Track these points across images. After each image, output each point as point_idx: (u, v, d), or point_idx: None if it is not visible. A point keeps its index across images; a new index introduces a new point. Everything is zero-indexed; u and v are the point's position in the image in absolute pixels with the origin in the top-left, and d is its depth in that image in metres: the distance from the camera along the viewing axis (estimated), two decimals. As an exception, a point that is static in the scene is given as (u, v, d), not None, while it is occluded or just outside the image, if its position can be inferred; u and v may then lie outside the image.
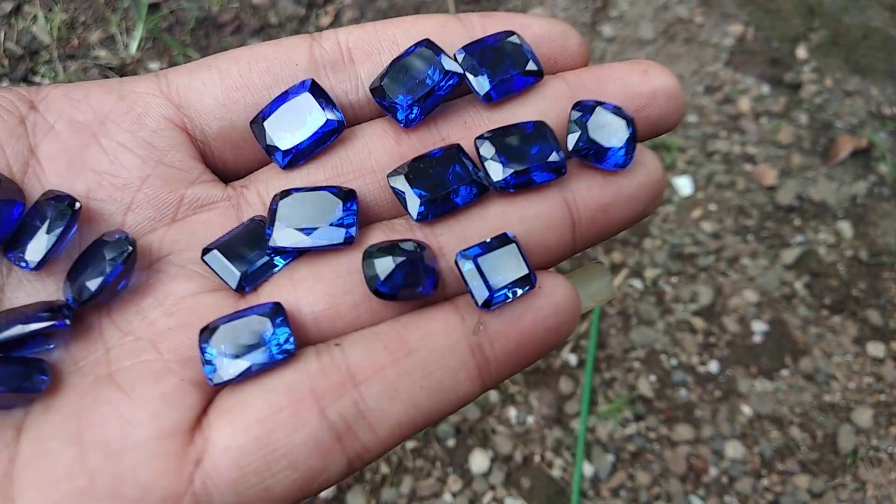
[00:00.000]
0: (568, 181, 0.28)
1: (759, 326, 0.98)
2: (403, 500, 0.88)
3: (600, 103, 0.28)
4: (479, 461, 0.90)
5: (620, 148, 0.28)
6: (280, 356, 0.25)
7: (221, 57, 0.29)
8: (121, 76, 1.09)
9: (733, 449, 0.91)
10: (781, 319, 0.98)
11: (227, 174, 0.30)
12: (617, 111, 0.28)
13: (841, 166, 1.09)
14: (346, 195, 0.27)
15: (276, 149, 0.28)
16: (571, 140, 0.28)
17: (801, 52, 1.20)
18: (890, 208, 1.06)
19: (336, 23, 1.17)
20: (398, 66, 0.28)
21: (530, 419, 0.92)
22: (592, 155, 0.28)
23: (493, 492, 0.88)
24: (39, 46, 1.10)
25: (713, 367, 0.96)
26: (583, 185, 0.28)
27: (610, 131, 0.28)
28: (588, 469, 0.90)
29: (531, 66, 0.29)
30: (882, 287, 1.00)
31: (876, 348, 0.97)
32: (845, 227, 1.05)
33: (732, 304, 1.00)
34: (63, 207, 0.25)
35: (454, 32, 0.30)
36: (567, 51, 0.30)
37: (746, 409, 0.93)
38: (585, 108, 0.28)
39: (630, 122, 0.28)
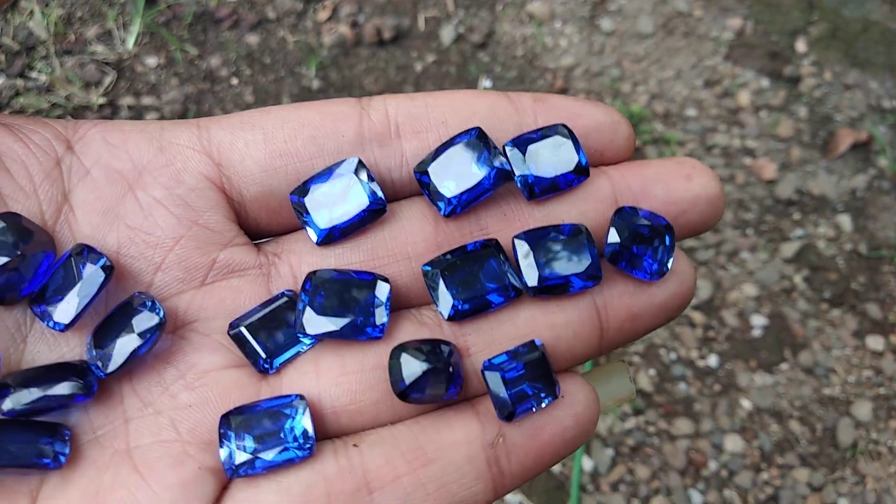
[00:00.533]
0: (601, 287, 0.28)
1: (758, 320, 0.98)
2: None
3: (640, 211, 0.28)
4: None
5: (657, 260, 0.27)
6: (299, 455, 0.25)
7: (267, 116, 0.28)
8: (118, 71, 1.08)
9: (733, 443, 0.91)
10: (781, 313, 0.98)
11: (259, 234, 0.29)
12: (657, 222, 0.28)
13: (840, 160, 1.09)
14: (380, 285, 0.27)
15: (314, 224, 0.27)
16: (609, 247, 0.27)
17: (801, 45, 1.20)
18: (889, 202, 1.06)
19: (333, 18, 1.16)
20: (447, 154, 0.27)
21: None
22: (628, 265, 0.27)
23: (493, 486, 0.88)
24: (36, 42, 1.09)
25: (712, 361, 0.96)
26: (615, 292, 0.28)
27: (648, 241, 0.27)
28: (587, 463, 0.90)
29: (578, 167, 0.28)
30: (881, 280, 1.00)
31: (875, 342, 0.96)
32: (845, 221, 1.05)
33: (732, 298, 0.99)
34: (97, 270, 0.25)
35: (504, 116, 0.29)
36: (614, 144, 0.29)
37: (746, 403, 0.93)
38: (625, 217, 0.28)
39: (670, 233, 0.28)
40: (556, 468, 0.89)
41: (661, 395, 0.94)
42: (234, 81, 1.10)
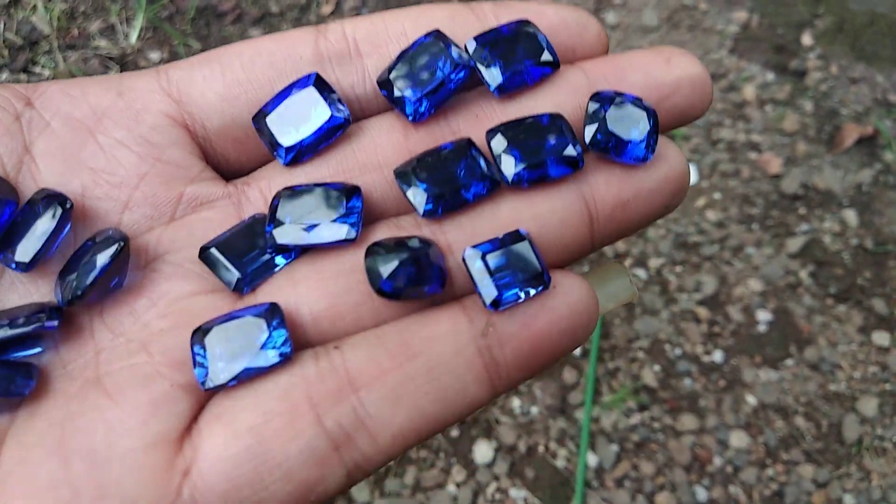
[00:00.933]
0: (585, 176, 0.27)
1: (763, 316, 0.98)
2: (407, 490, 0.88)
3: (619, 94, 0.27)
4: (483, 451, 0.90)
5: (641, 141, 0.26)
6: (275, 360, 0.24)
7: (223, 51, 0.28)
8: (121, 66, 1.08)
9: (738, 439, 0.91)
10: (786, 308, 0.98)
11: (229, 171, 0.29)
12: (637, 102, 0.27)
13: (846, 154, 1.09)
14: (350, 191, 0.26)
15: (279, 145, 0.27)
16: (589, 132, 0.26)
17: (807, 38, 1.19)
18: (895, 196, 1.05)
19: (337, 11, 1.16)
20: (406, 59, 0.27)
21: (534, 409, 0.92)
22: (611, 148, 0.26)
23: (497, 482, 0.88)
24: (39, 37, 1.09)
25: (717, 356, 0.96)
26: (601, 179, 0.27)
27: (630, 123, 0.26)
28: (592, 459, 0.90)
29: (546, 57, 0.28)
30: (887, 276, 1.00)
31: (881, 337, 0.96)
32: (850, 216, 1.04)
33: (737, 294, 0.99)
34: (54, 206, 0.25)
35: (465, 23, 0.28)
36: (585, 39, 0.29)
37: (751, 399, 0.93)
38: (603, 100, 0.27)
39: (651, 113, 0.27)
40: (561, 464, 0.89)
41: (666, 391, 0.93)
42: (238, 76, 1.10)
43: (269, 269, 0.26)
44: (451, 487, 0.88)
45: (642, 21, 1.20)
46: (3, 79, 1.05)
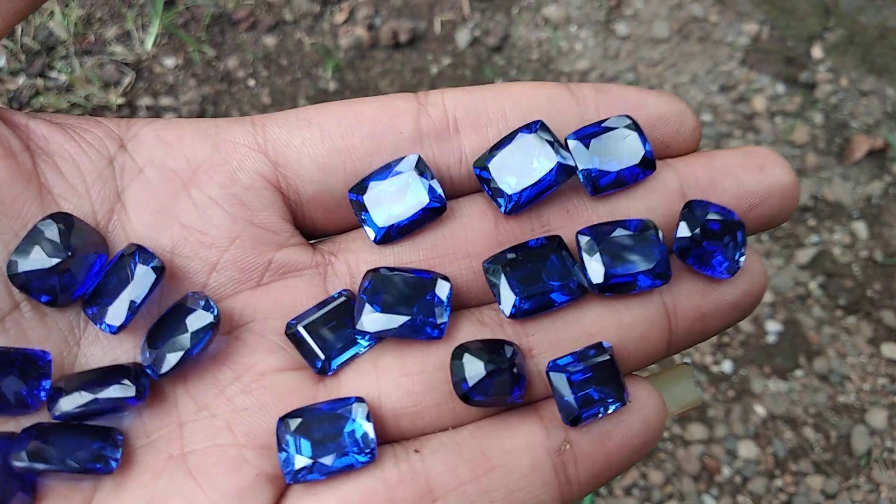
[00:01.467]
0: (669, 285, 0.26)
1: (773, 326, 0.98)
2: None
3: (710, 205, 0.26)
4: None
5: (728, 258, 0.26)
6: (360, 461, 0.24)
7: (323, 113, 0.27)
8: (136, 72, 1.09)
9: (746, 449, 0.91)
10: (795, 320, 0.98)
11: (315, 233, 0.29)
12: (728, 218, 0.26)
13: (856, 166, 1.09)
14: (440, 283, 0.26)
15: (373, 222, 0.27)
16: (678, 243, 0.26)
17: (817, 51, 1.20)
18: (906, 209, 1.06)
19: (350, 20, 1.17)
20: (508, 149, 0.27)
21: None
22: (698, 262, 0.26)
23: (506, 489, 0.88)
24: (56, 42, 1.11)
25: (727, 366, 0.96)
26: (684, 291, 0.27)
27: (720, 238, 0.26)
28: (601, 467, 0.90)
29: (645, 159, 0.27)
30: (897, 288, 1.00)
31: (891, 349, 0.96)
32: (860, 228, 1.04)
33: (746, 304, 0.99)
34: (147, 269, 0.24)
35: (566, 108, 0.28)
36: (680, 135, 0.28)
37: (760, 409, 0.93)
38: (696, 211, 0.26)
39: (741, 229, 0.26)
40: (570, 472, 0.89)
41: (675, 401, 0.94)
42: (251, 83, 1.11)
43: (352, 353, 0.26)
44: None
45: (653, 33, 1.20)
46: (21, 83, 1.07)
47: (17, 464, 0.22)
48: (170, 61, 1.11)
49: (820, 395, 0.94)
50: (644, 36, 1.20)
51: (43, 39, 1.10)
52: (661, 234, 0.26)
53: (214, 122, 0.27)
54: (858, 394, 0.94)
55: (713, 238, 0.26)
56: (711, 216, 0.26)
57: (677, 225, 0.26)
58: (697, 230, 0.26)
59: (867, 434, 0.91)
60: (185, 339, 0.24)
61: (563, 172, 0.27)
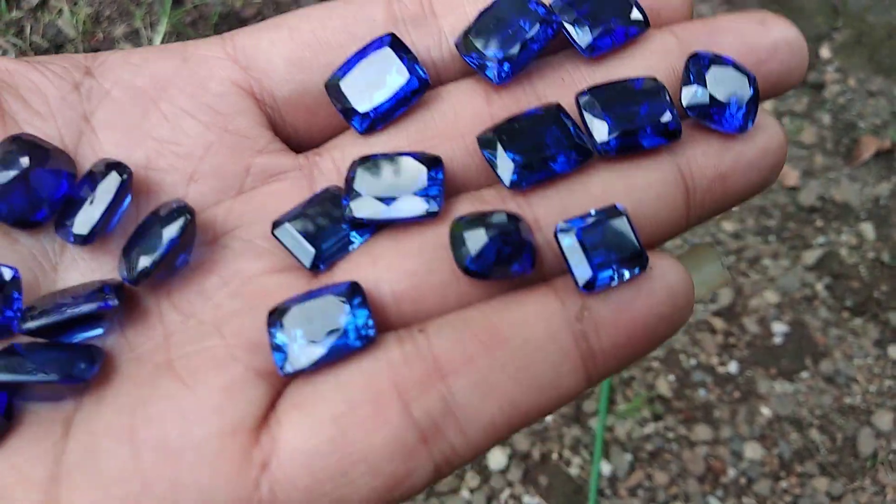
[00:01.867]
0: (682, 146, 0.25)
1: (779, 328, 0.98)
2: (421, 496, 0.88)
3: (718, 56, 0.25)
4: (496, 458, 0.90)
5: (742, 107, 0.24)
6: (358, 342, 0.22)
7: (291, 15, 0.26)
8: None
9: (752, 450, 0.91)
10: (802, 321, 0.98)
11: (299, 143, 0.27)
12: (737, 66, 0.25)
13: (864, 167, 1.09)
14: (431, 162, 0.24)
15: (354, 111, 0.25)
16: (687, 96, 0.25)
17: (825, 51, 1.19)
18: (913, 210, 1.05)
19: (358, 19, 1.17)
20: (486, 18, 0.25)
21: (548, 417, 0.92)
22: (712, 114, 0.25)
23: (511, 489, 0.89)
24: (65, 40, 1.11)
25: (733, 367, 0.96)
26: (698, 150, 0.25)
27: (731, 88, 0.24)
28: (606, 468, 0.90)
29: (636, 15, 0.26)
30: (904, 290, 1.00)
31: (897, 351, 0.96)
32: (868, 229, 1.04)
33: (753, 305, 0.99)
34: (113, 175, 0.23)
35: None
36: (670, 2, 0.27)
37: (766, 411, 0.93)
38: (703, 62, 0.25)
39: (752, 79, 0.25)
40: (575, 472, 0.89)
41: (681, 401, 0.94)
42: (259, 81, 1.11)
43: (345, 246, 0.25)
44: (464, 493, 0.89)
45: (660, 32, 1.20)
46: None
47: None
48: (178, 60, 1.12)
49: (826, 396, 0.94)
50: (651, 35, 1.20)
51: (52, 37, 1.11)
52: (665, 88, 0.25)
53: (182, 43, 0.27)
54: (864, 395, 0.94)
55: (723, 89, 0.24)
56: (719, 66, 0.25)
57: (683, 79, 0.25)
58: (705, 82, 0.24)
59: (873, 436, 0.91)
60: (157, 242, 0.23)
61: (550, 31, 0.25)
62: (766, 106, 1.13)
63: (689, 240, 1.04)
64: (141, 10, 1.13)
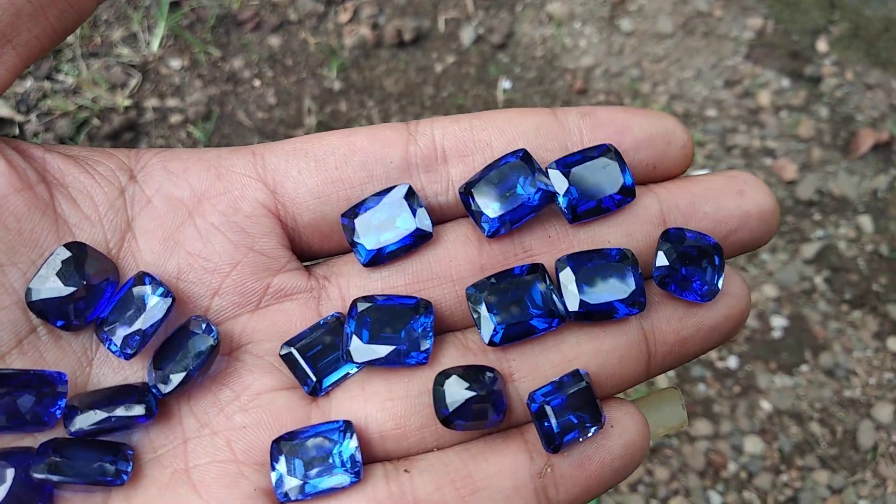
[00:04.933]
0: (648, 311, 0.28)
1: (778, 321, 0.98)
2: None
3: (687, 232, 0.27)
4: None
5: (706, 282, 0.27)
6: (349, 481, 0.26)
7: (318, 142, 0.29)
8: (143, 73, 1.10)
9: (752, 444, 0.91)
10: (801, 314, 0.98)
11: (311, 256, 0.30)
12: (705, 243, 0.27)
13: (862, 160, 1.09)
14: (424, 309, 0.28)
15: (362, 246, 0.28)
16: (657, 271, 0.27)
17: (822, 45, 1.19)
18: (912, 203, 1.05)
19: (354, 20, 1.17)
20: (490, 176, 0.28)
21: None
22: (677, 287, 0.27)
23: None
24: (63, 45, 1.11)
25: (732, 362, 0.96)
26: (663, 315, 0.28)
27: (697, 263, 0.27)
28: (607, 463, 0.90)
29: (624, 188, 0.28)
30: (903, 282, 1.00)
31: (897, 344, 0.96)
32: (866, 222, 1.04)
33: (752, 299, 0.99)
34: (159, 301, 0.26)
35: (551, 134, 0.29)
36: (668, 155, 0.29)
37: (766, 405, 0.93)
38: (672, 239, 0.27)
39: (718, 253, 0.27)
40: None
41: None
42: (257, 83, 1.11)
43: (342, 375, 0.28)
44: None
45: (657, 28, 1.20)
46: (28, 87, 1.07)
47: (38, 475, 0.24)
48: (176, 62, 1.12)
49: (826, 389, 0.94)
50: (648, 31, 1.20)
51: (50, 42, 1.11)
52: (637, 263, 0.27)
53: (217, 152, 0.29)
54: (864, 388, 0.94)
55: (690, 264, 0.27)
56: (688, 243, 0.27)
57: (656, 252, 0.27)
58: (674, 257, 0.27)
59: (873, 429, 0.91)
60: (187, 361, 0.26)
61: (545, 199, 0.28)
62: (765, 100, 1.14)
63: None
64: (138, 14, 1.13)
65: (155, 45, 1.12)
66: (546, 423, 0.26)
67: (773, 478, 0.89)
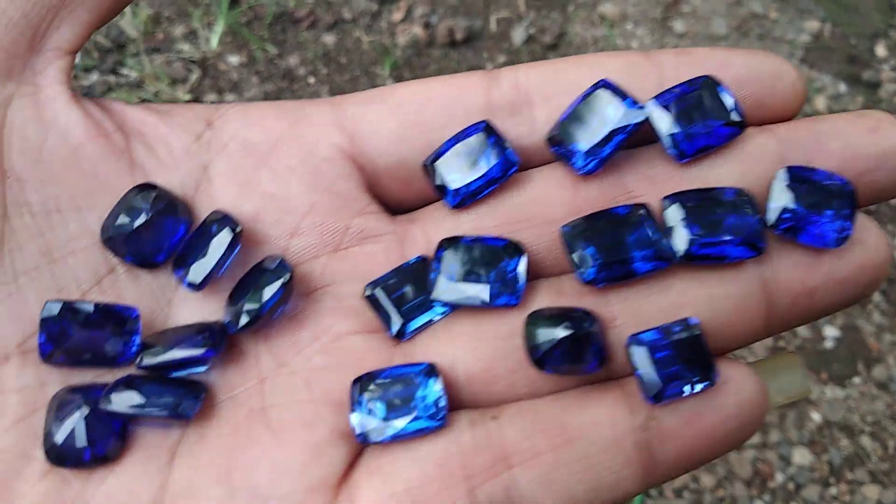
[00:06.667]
0: (768, 258, 0.24)
1: (831, 332, 0.97)
2: None
3: (811, 169, 0.24)
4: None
5: (834, 223, 0.24)
6: (433, 423, 0.24)
7: (397, 91, 0.28)
8: (202, 69, 1.13)
9: (801, 455, 0.90)
10: (855, 325, 0.97)
11: (391, 207, 0.29)
12: (833, 181, 0.24)
13: (921, 170, 1.07)
14: (515, 251, 0.26)
15: (447, 188, 0.27)
16: (774, 212, 0.24)
17: (881, 49, 1.17)
18: (973, 215, 1.03)
19: (407, 19, 1.18)
20: (575, 112, 0.26)
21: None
22: (801, 232, 0.24)
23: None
24: (127, 40, 1.15)
25: (782, 371, 0.95)
26: (785, 263, 0.25)
27: (822, 203, 0.24)
28: (652, 468, 0.91)
29: (732, 117, 0.25)
30: (962, 296, 0.98)
31: (954, 359, 0.94)
32: (924, 233, 1.02)
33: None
34: (226, 230, 0.26)
35: (642, 74, 0.27)
36: (777, 91, 0.26)
37: (816, 416, 0.92)
38: (794, 175, 0.24)
39: (850, 192, 0.24)
40: (621, 471, 0.90)
41: (729, 404, 0.94)
42: (312, 80, 1.13)
43: (429, 319, 0.27)
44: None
45: (711, 29, 1.19)
46: (94, 80, 1.11)
47: (110, 407, 0.24)
48: (234, 59, 1.15)
49: (878, 403, 0.93)
50: (702, 33, 1.19)
51: (114, 38, 1.15)
52: (755, 202, 0.25)
53: (294, 103, 0.29)
54: (918, 403, 0.92)
55: (816, 206, 0.24)
56: (814, 182, 0.24)
57: (774, 193, 0.25)
58: (797, 197, 0.24)
59: (926, 444, 0.90)
60: (259, 297, 0.25)
61: (637, 125, 0.26)
62: (821, 105, 1.12)
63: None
64: (199, 11, 1.16)
65: (214, 42, 1.14)
66: (647, 370, 0.23)
67: (822, 490, 0.88)
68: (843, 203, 0.24)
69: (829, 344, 0.96)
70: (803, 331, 0.97)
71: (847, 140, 0.25)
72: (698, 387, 0.23)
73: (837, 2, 1.22)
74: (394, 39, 1.17)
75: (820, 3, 1.22)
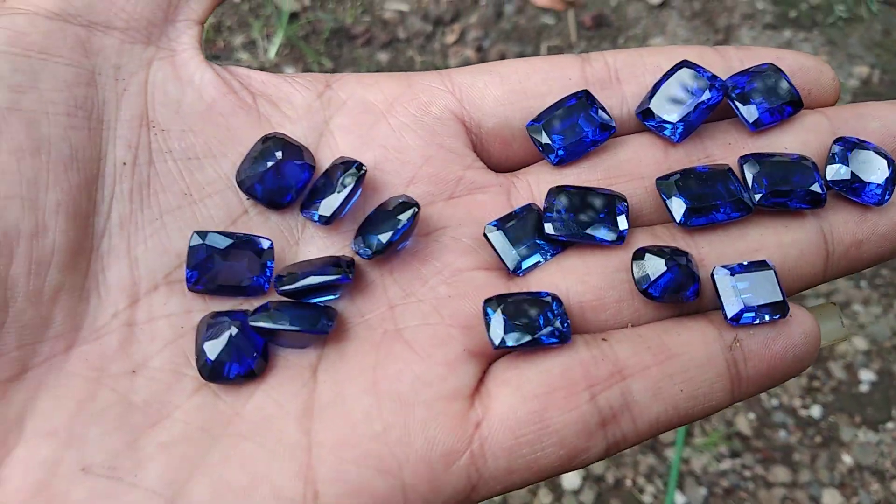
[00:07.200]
0: (826, 212, 0.30)
1: (866, 375, 0.96)
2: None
3: (861, 140, 0.30)
4: (570, 478, 0.92)
5: (879, 185, 0.29)
6: (555, 340, 0.27)
7: (501, 65, 0.32)
8: (259, 79, 1.16)
9: (831, 497, 0.90)
10: (891, 370, 0.96)
11: (491, 167, 0.33)
12: (877, 150, 0.30)
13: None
14: (618, 197, 0.30)
15: (550, 148, 0.31)
16: (832, 172, 0.29)
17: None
18: None
19: (461, 41, 1.21)
20: (663, 88, 0.31)
21: (624, 443, 0.93)
22: (852, 189, 0.29)
23: (583, 509, 0.90)
24: (189, 46, 1.19)
25: (815, 411, 0.95)
26: (839, 218, 0.29)
27: (870, 167, 0.29)
28: (680, 499, 0.91)
29: (793, 97, 0.31)
30: None
31: None
32: (966, 283, 1.02)
33: (840, 350, 0.98)
34: (353, 169, 0.29)
35: (712, 63, 0.32)
36: (820, 84, 0.32)
37: (847, 459, 0.92)
38: (847, 144, 0.30)
39: (890, 161, 0.29)
40: (648, 500, 0.90)
41: (760, 440, 0.93)
42: (364, 95, 1.17)
43: (539, 259, 0.30)
44: (536, 509, 0.91)
45: (759, 69, 1.20)
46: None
47: (256, 324, 0.27)
48: (290, 70, 1.18)
49: (912, 450, 0.92)
50: (749, 72, 1.20)
51: (178, 43, 1.19)
52: (815, 164, 0.29)
53: (404, 74, 0.32)
54: (953, 453, 0.91)
55: (864, 168, 0.29)
56: (863, 147, 0.29)
57: (828, 157, 0.30)
58: (847, 161, 0.29)
59: (960, 495, 0.89)
60: (393, 224, 0.28)
61: (718, 94, 0.30)
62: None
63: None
64: (259, 22, 1.20)
65: (272, 53, 1.18)
66: (729, 293, 0.27)
67: (851, 533, 0.88)
68: (886, 170, 0.29)
69: (863, 387, 0.96)
70: (838, 372, 0.96)
71: (884, 121, 0.31)
72: (769, 317, 0.28)
73: (887, 48, 1.22)
74: (446, 61, 1.20)
75: (869, 49, 1.23)
